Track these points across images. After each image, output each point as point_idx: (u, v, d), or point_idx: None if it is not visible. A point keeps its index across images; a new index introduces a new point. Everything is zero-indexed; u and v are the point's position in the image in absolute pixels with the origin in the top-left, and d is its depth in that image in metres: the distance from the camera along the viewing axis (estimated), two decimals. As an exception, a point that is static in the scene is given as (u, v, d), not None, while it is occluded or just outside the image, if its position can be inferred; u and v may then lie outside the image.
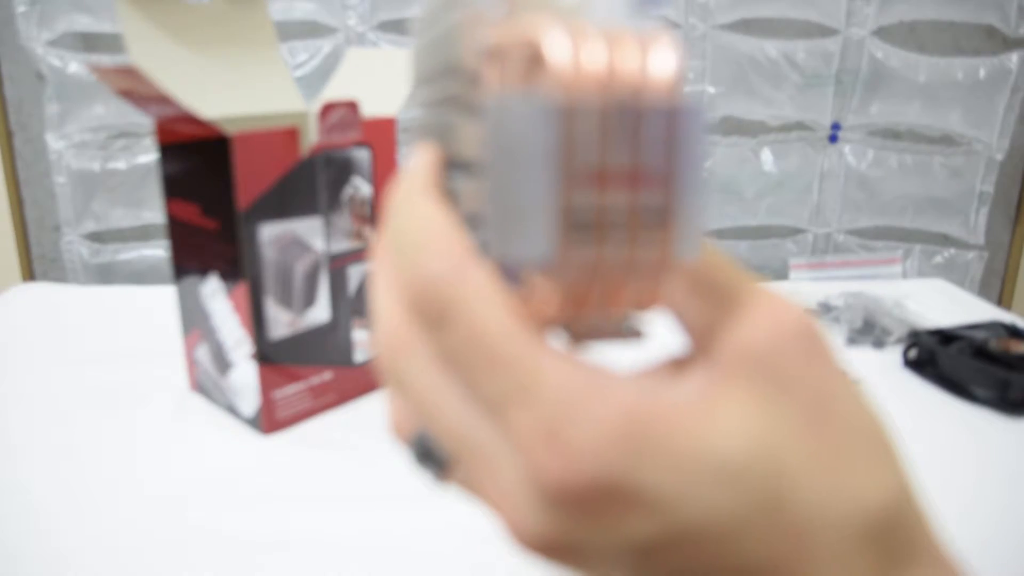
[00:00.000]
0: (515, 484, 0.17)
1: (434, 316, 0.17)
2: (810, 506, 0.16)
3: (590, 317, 0.17)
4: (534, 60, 0.15)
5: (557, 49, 0.15)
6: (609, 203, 0.15)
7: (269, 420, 0.62)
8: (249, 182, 0.56)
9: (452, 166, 0.20)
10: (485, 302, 0.17)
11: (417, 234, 0.18)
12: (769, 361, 0.17)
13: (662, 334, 0.19)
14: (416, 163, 0.21)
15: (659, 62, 0.15)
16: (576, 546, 0.17)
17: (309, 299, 0.62)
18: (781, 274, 1.28)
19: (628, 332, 0.18)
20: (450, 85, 0.20)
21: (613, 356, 0.18)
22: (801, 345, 0.17)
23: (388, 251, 0.20)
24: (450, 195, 0.20)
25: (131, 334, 0.81)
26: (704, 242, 0.17)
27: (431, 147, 0.21)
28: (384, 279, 0.20)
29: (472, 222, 0.18)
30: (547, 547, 0.17)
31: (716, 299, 0.18)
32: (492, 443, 0.17)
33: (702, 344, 0.18)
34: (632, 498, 0.16)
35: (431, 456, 0.19)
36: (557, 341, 0.18)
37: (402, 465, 0.58)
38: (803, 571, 0.17)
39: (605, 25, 0.16)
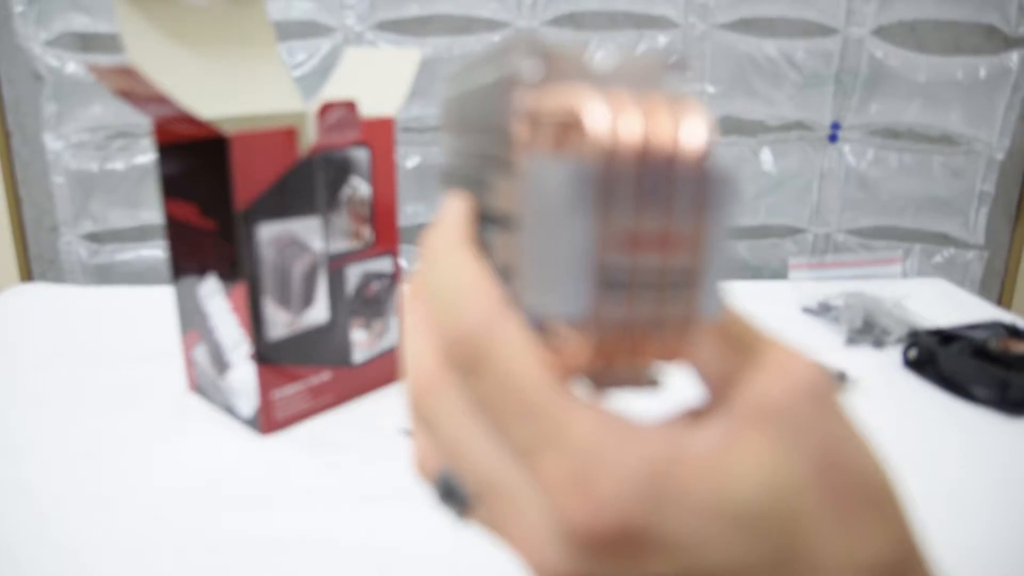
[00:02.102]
0: (539, 525, 0.18)
1: (468, 364, 0.18)
2: (821, 554, 0.17)
3: (616, 368, 0.18)
4: (572, 126, 0.16)
5: (597, 117, 0.16)
6: (640, 264, 0.16)
7: (267, 420, 0.62)
8: (247, 182, 0.56)
9: (485, 218, 0.21)
10: (518, 353, 0.18)
11: (454, 284, 0.19)
12: (785, 413, 0.18)
13: (677, 384, 0.20)
14: (451, 212, 0.21)
15: (691, 131, 0.16)
16: None
17: (307, 299, 0.62)
18: (780, 274, 1.28)
19: (646, 381, 0.19)
20: (485, 141, 0.21)
21: (632, 405, 0.19)
22: (815, 399, 0.18)
23: (423, 297, 0.21)
24: (482, 246, 0.21)
25: (129, 334, 0.81)
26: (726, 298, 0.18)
27: (464, 197, 0.22)
28: (418, 323, 0.21)
29: (504, 274, 0.19)
30: None
31: (734, 352, 0.19)
32: (517, 485, 0.18)
33: (719, 394, 0.19)
34: (653, 543, 0.16)
35: (454, 495, 0.20)
36: (580, 389, 0.18)
37: (399, 465, 0.58)
38: None
39: (638, 91, 0.17)
